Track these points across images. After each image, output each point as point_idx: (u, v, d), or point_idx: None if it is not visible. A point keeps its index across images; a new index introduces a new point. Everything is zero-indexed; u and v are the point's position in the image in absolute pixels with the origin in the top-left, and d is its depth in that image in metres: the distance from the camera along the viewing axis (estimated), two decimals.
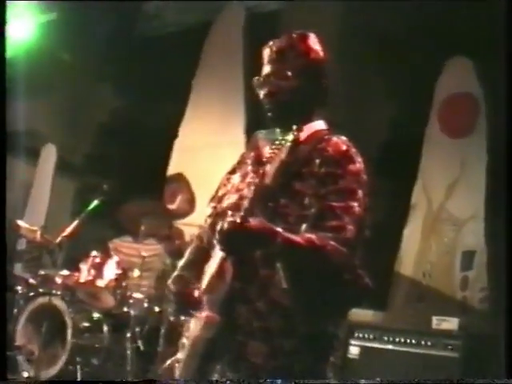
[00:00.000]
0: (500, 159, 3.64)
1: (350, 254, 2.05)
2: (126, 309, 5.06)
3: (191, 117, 6.79)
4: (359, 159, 2.18)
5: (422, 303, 5.01)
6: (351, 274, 2.08)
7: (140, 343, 5.00)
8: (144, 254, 5.18)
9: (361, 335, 4.45)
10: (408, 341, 4.27)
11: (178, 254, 3.61)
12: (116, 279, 5.11)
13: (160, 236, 5.45)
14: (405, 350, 4.27)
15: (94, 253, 5.21)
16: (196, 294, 2.21)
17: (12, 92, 5.16)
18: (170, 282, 2.38)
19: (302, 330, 2.09)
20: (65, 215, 7.08)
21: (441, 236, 5.14)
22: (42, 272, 5.46)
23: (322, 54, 2.29)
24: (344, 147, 2.18)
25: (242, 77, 6.37)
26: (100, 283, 5.11)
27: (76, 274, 5.17)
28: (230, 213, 2.00)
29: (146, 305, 5.08)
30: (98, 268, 5.15)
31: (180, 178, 5.67)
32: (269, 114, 2.27)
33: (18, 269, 6.82)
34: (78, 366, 4.76)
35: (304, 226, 2.08)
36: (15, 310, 5.22)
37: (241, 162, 2.39)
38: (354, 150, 2.19)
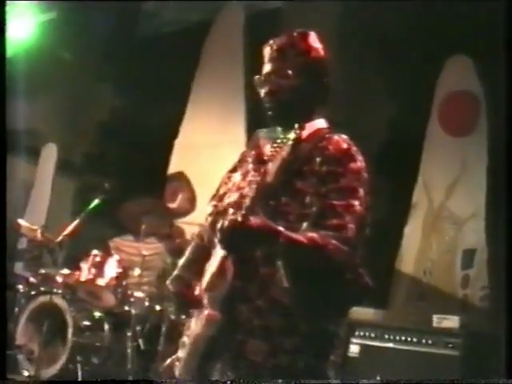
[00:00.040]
0: (501, 158, 3.63)
1: (351, 253, 2.05)
2: (126, 307, 5.06)
3: (191, 116, 6.79)
4: (360, 158, 2.17)
5: (423, 301, 5.02)
6: (352, 272, 2.08)
7: (141, 342, 5.01)
8: (145, 252, 5.19)
9: (361, 333, 4.45)
10: (409, 339, 4.27)
11: (179, 253, 3.59)
12: (117, 278, 5.11)
13: (161, 235, 5.45)
14: (405, 349, 4.27)
15: (95, 252, 5.22)
16: (196, 292, 2.20)
17: (12, 91, 5.18)
18: (168, 281, 2.38)
19: (302, 328, 2.08)
20: (65, 214, 7.09)
21: (441, 234, 5.14)
22: (43, 271, 5.45)
23: (322, 52, 2.28)
24: (345, 145, 2.17)
25: (242, 76, 6.38)
26: (101, 282, 5.12)
27: (77, 272, 5.17)
28: (231, 211, 2.00)
29: (146, 303, 5.09)
30: (99, 267, 5.15)
31: (181, 176, 5.67)
32: (269, 112, 2.26)
33: (18, 268, 6.82)
34: (79, 365, 4.76)
35: (305, 225, 2.07)
36: (16, 309, 5.24)
37: (242, 161, 2.38)
38: (354, 149, 2.19)
